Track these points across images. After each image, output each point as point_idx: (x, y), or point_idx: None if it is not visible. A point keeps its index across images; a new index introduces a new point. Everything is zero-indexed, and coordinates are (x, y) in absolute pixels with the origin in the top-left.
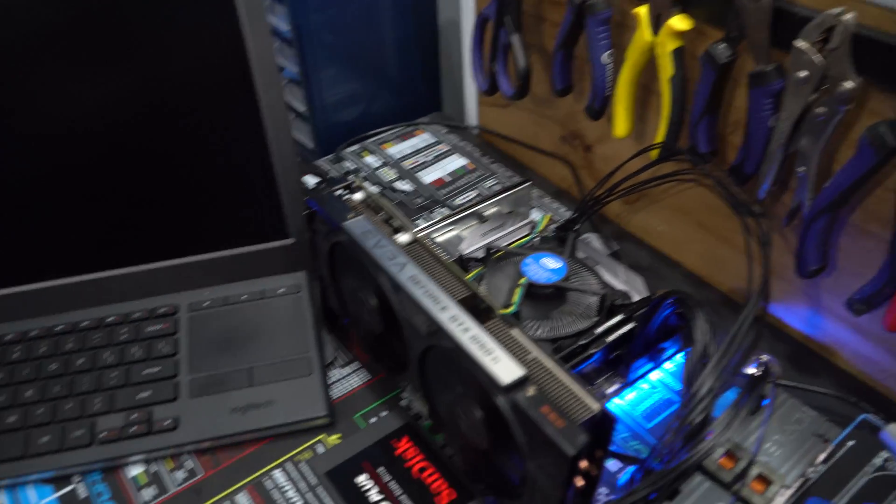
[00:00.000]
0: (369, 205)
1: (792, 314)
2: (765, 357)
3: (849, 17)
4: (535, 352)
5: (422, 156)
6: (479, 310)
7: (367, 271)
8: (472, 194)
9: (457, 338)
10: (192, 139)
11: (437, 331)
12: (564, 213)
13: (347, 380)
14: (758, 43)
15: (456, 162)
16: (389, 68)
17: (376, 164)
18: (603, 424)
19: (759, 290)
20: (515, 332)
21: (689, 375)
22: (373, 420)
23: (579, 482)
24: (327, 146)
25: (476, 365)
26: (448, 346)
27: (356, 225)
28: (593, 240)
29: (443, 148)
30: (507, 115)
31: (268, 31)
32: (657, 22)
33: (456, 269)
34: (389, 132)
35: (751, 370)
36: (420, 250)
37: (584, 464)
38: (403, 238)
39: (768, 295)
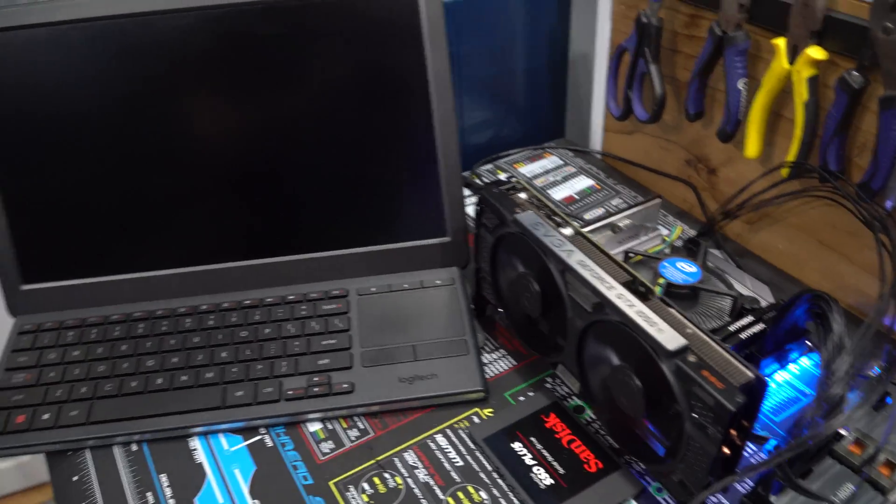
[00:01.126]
0: (532, 202)
1: None
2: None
3: None
4: (692, 328)
5: (551, 175)
6: (640, 291)
7: (534, 259)
8: (599, 211)
9: (625, 311)
10: (372, 148)
11: (604, 307)
12: (688, 231)
13: (495, 364)
14: (889, 70)
15: (583, 182)
16: (520, 96)
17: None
18: (757, 389)
19: (891, 287)
20: (673, 311)
21: (828, 359)
22: (521, 398)
23: (726, 450)
24: (463, 164)
25: (644, 334)
26: (615, 320)
27: (527, 217)
28: (716, 254)
29: (570, 169)
30: (631, 140)
31: (446, 56)
32: (794, 52)
33: (614, 258)
34: (519, 153)
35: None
36: (582, 241)
37: (733, 431)
38: (567, 231)
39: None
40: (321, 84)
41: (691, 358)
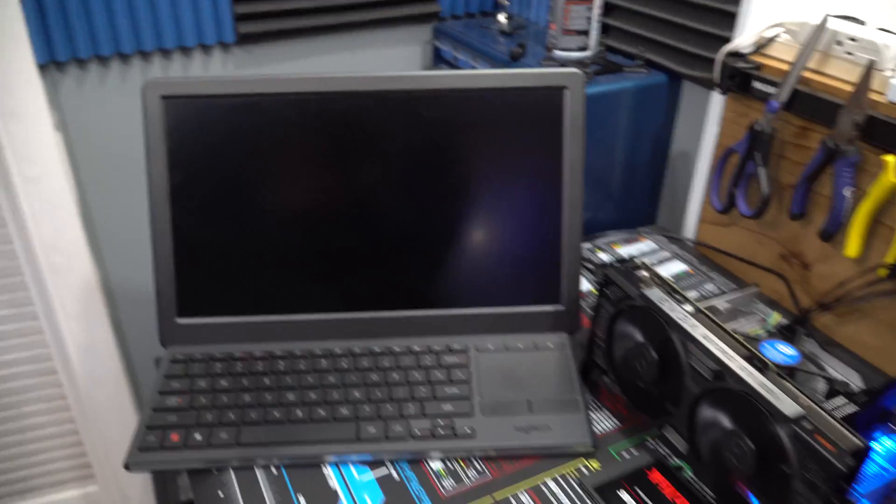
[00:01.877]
0: (654, 280)
1: None
2: None
3: None
4: (805, 399)
5: (647, 258)
6: (758, 365)
7: (655, 329)
8: (693, 293)
9: (746, 380)
10: (507, 222)
11: (724, 375)
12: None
13: (600, 423)
14: None
15: (678, 266)
16: (618, 184)
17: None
18: (863, 455)
19: None
20: (788, 384)
21: None
22: (625, 454)
23: None
24: None
25: (764, 401)
26: (735, 388)
27: (654, 293)
28: (808, 342)
29: (665, 254)
30: (727, 233)
31: (583, 145)
32: None
33: (733, 334)
34: (616, 235)
35: None
36: (703, 318)
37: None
38: (688, 307)
39: None
40: (473, 162)
41: (807, 425)
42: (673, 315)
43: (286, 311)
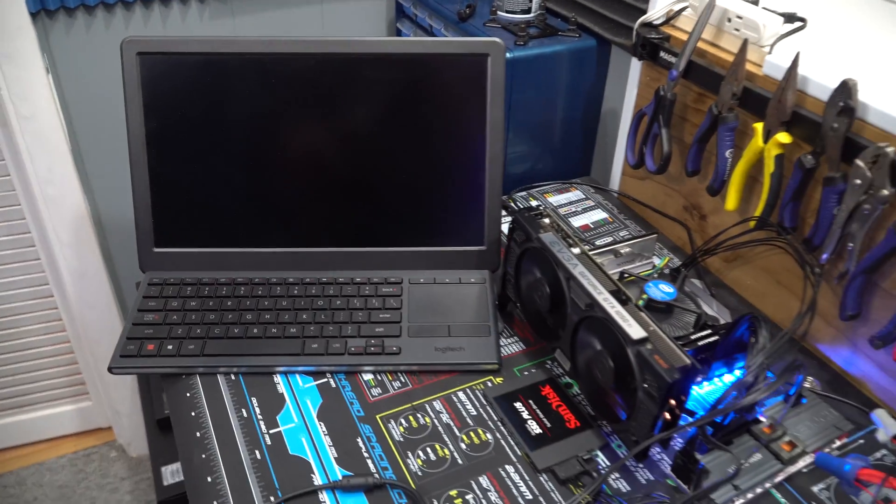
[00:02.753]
0: (553, 226)
1: (835, 353)
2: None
3: (891, 149)
4: (654, 327)
5: (573, 206)
6: (622, 298)
7: (548, 268)
8: (608, 239)
9: (607, 310)
10: (437, 172)
11: (594, 306)
12: (676, 262)
13: (509, 346)
14: (833, 157)
15: (599, 214)
16: (556, 139)
17: (545, 208)
18: (691, 371)
19: (806, 309)
20: (643, 315)
21: (749, 358)
22: (526, 373)
23: (667, 415)
24: (503, 189)
25: (618, 327)
26: (600, 316)
27: (547, 237)
28: (696, 283)
29: (590, 203)
30: (643, 185)
31: (503, 106)
32: (768, 135)
33: (608, 273)
34: (550, 185)
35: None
36: (585, 259)
37: (672, 401)
38: (576, 250)
39: (812, 317)
40: (405, 119)
41: (648, 346)
42: (560, 256)
43: (248, 245)
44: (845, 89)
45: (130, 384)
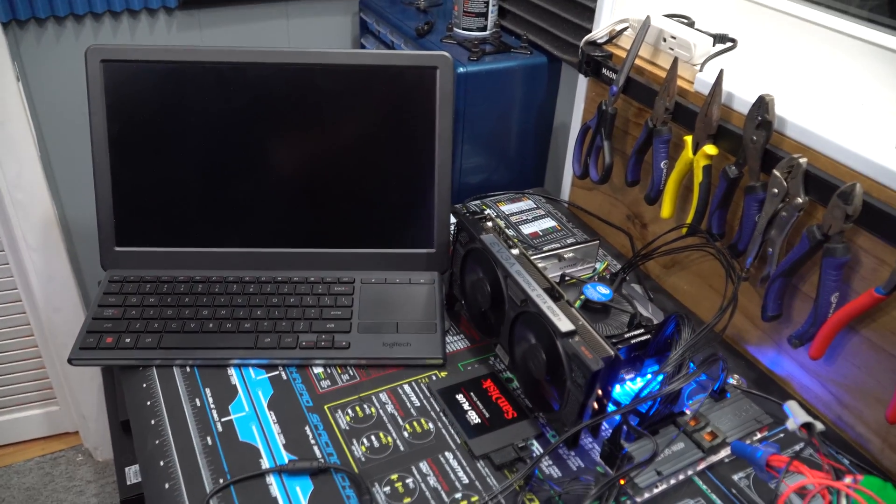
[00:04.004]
0: (495, 229)
1: (761, 353)
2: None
3: (804, 160)
4: (582, 320)
5: (524, 215)
6: (554, 295)
7: (489, 267)
8: (556, 245)
9: (540, 305)
10: (389, 178)
11: (528, 302)
12: (616, 268)
13: (455, 343)
14: (753, 168)
15: (548, 223)
16: (510, 151)
17: (494, 214)
18: (614, 361)
19: (726, 304)
20: (573, 310)
21: (673, 351)
22: (469, 368)
23: (595, 405)
24: (457, 198)
25: (549, 321)
26: (534, 311)
27: (488, 238)
28: (636, 287)
29: (540, 212)
30: (591, 196)
31: (451, 117)
32: (696, 146)
33: (543, 273)
34: (503, 195)
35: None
36: (523, 259)
37: (599, 391)
38: (515, 251)
39: (733, 312)
40: (358, 127)
41: (576, 338)
42: (499, 255)
43: (206, 245)
44: (762, 104)
45: (97, 389)
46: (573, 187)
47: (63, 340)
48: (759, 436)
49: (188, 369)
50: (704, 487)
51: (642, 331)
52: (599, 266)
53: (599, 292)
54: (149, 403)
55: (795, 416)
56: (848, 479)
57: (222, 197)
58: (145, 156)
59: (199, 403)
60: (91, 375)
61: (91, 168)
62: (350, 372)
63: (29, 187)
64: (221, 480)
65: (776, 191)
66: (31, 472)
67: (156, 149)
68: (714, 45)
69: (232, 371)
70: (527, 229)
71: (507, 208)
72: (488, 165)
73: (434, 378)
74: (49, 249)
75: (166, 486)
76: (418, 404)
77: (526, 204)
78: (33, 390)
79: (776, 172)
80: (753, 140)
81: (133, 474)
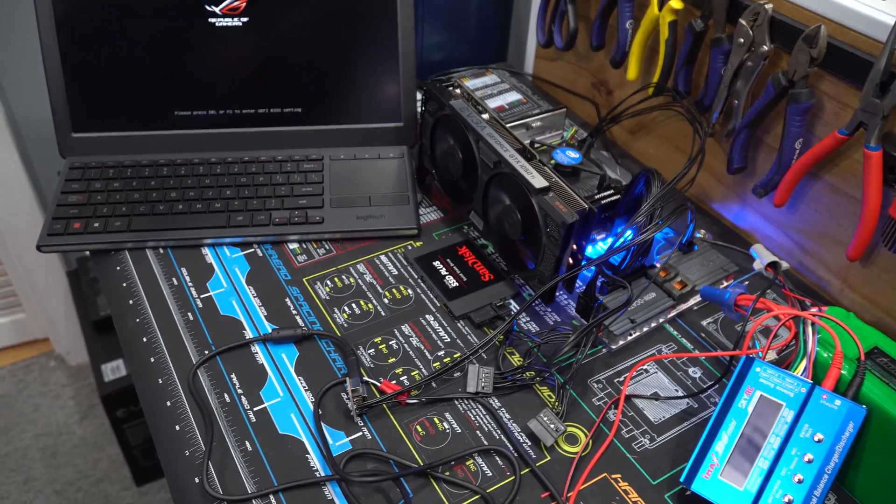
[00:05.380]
0: (464, 96)
1: (725, 209)
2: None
3: (769, 6)
4: (556, 178)
5: (489, 89)
6: (527, 155)
7: (459, 134)
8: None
9: (513, 165)
10: (352, 51)
11: (501, 163)
12: (583, 135)
13: (428, 215)
14: (719, 20)
15: (514, 96)
16: (471, 25)
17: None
18: (588, 215)
19: (694, 156)
20: (546, 169)
21: (644, 203)
22: (443, 237)
23: (570, 261)
24: (420, 76)
25: (523, 179)
26: (507, 172)
27: (458, 104)
28: (603, 153)
29: (505, 86)
30: (555, 66)
31: None
32: (662, 3)
33: (514, 135)
34: (467, 70)
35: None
36: (494, 123)
37: (573, 246)
38: (485, 115)
39: (700, 165)
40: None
41: (550, 194)
42: (469, 120)
43: (167, 128)
44: None
45: (63, 293)
46: (537, 59)
47: (24, 245)
48: (725, 284)
49: (161, 251)
50: (675, 333)
51: (612, 192)
52: (567, 133)
53: (569, 156)
54: (125, 285)
55: (761, 257)
56: (813, 310)
57: (181, 76)
58: (95, 33)
59: (175, 282)
60: (56, 279)
61: (36, 60)
62: (326, 246)
63: None
64: (206, 351)
65: (742, 40)
66: (3, 380)
67: (106, 25)
68: None
69: (206, 251)
70: (492, 103)
71: (471, 83)
72: (449, 42)
73: (410, 248)
74: (0, 152)
75: (151, 359)
76: (396, 273)
77: (490, 79)
78: None
79: (742, 21)
80: None
81: (110, 371)
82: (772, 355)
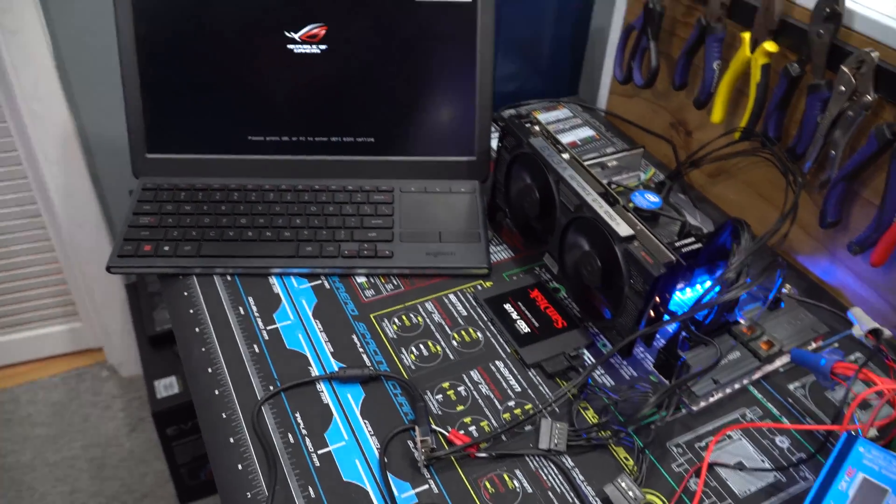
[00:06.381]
0: (543, 133)
1: (813, 263)
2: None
3: (875, 54)
4: (641, 226)
5: (561, 124)
6: (610, 200)
7: (538, 172)
8: (595, 154)
9: (596, 210)
10: (428, 82)
11: (583, 207)
12: (661, 177)
13: (498, 254)
14: (818, 65)
15: (586, 132)
16: (544, 57)
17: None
18: (676, 267)
19: (787, 211)
20: (630, 215)
21: (732, 257)
22: (514, 278)
23: (651, 313)
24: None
25: (606, 226)
26: (589, 216)
27: (538, 142)
28: (681, 196)
29: (577, 121)
30: (630, 103)
31: (493, 19)
32: (755, 44)
33: (596, 177)
34: (538, 104)
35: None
36: (575, 164)
37: (657, 298)
38: (565, 155)
39: (794, 219)
40: (397, 29)
41: (635, 243)
42: (550, 160)
43: (240, 152)
44: None
45: (120, 304)
46: (611, 95)
47: (86, 256)
48: (813, 345)
49: (229, 278)
50: (760, 396)
51: (693, 239)
52: (645, 175)
53: (648, 200)
54: (191, 311)
55: (861, 322)
56: None
57: (256, 100)
58: (175, 57)
59: (242, 312)
60: (115, 291)
61: (110, 79)
62: (394, 281)
63: (46, 98)
64: (272, 387)
65: (843, 88)
66: (56, 387)
67: (186, 49)
68: None
69: (273, 280)
70: (564, 139)
71: (542, 117)
72: (521, 73)
73: (480, 288)
74: (68, 163)
75: (216, 392)
76: (465, 314)
77: (562, 112)
78: (56, 306)
79: (844, 68)
80: (820, 34)
81: (163, 388)
82: (872, 432)
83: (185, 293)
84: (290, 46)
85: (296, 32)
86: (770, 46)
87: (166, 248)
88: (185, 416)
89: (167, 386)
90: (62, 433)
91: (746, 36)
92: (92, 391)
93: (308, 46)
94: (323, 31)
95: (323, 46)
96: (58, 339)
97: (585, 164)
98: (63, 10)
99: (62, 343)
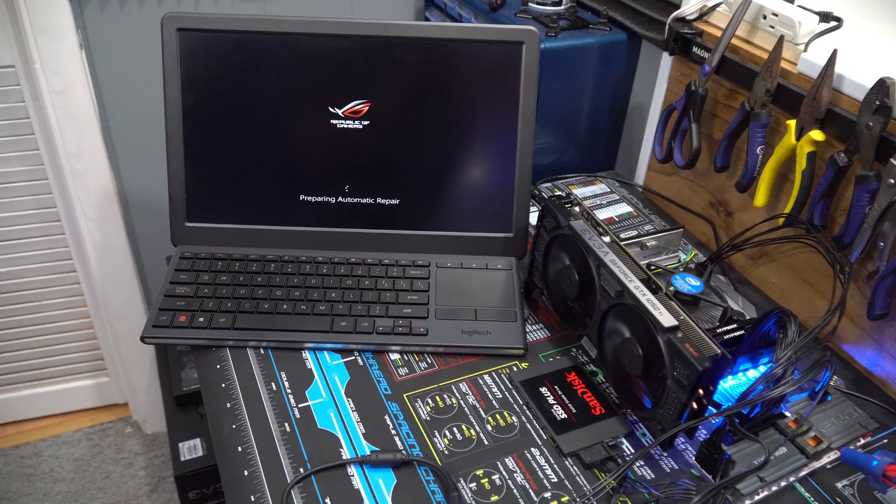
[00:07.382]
0: (583, 214)
1: (859, 353)
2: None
3: None
4: (684, 316)
5: (598, 199)
6: (652, 287)
7: (578, 255)
8: (633, 233)
9: (639, 298)
10: (468, 158)
11: (624, 293)
12: (703, 258)
13: (534, 333)
14: (866, 156)
15: (624, 208)
16: (582, 131)
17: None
18: (721, 361)
19: (836, 306)
20: (673, 304)
21: (779, 351)
22: (551, 359)
23: (693, 405)
24: None
25: (649, 315)
26: (631, 304)
27: (578, 224)
28: (721, 279)
29: (614, 196)
30: (669, 181)
31: (535, 94)
32: (800, 132)
33: (638, 262)
34: (575, 178)
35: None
36: (616, 248)
37: (700, 391)
38: (606, 238)
39: (842, 314)
40: (438, 103)
41: (679, 334)
42: (591, 243)
43: (278, 223)
44: (882, 88)
45: (148, 361)
46: (649, 171)
47: (117, 312)
48: (862, 441)
49: (262, 351)
50: (807, 495)
51: (735, 326)
52: (686, 256)
53: (690, 283)
54: (223, 385)
55: None
56: None
57: (296, 173)
58: (219, 128)
59: (274, 387)
60: (143, 348)
61: (152, 140)
62: (428, 360)
63: (88, 157)
64: (302, 469)
65: (892, 181)
66: (79, 442)
67: (230, 121)
68: (819, 24)
69: (307, 355)
70: (601, 215)
71: (579, 192)
72: (558, 146)
73: (515, 369)
74: (106, 221)
75: (245, 472)
76: (500, 396)
77: (599, 188)
78: (84, 361)
79: (893, 161)
80: (869, 126)
81: (187, 450)
82: None
83: (218, 366)
84: (334, 122)
85: (340, 108)
86: (817, 135)
87: (201, 319)
88: (208, 481)
89: (191, 448)
90: (83, 490)
91: (792, 123)
92: (115, 447)
93: (351, 122)
94: (366, 108)
95: (366, 122)
96: (84, 394)
97: (624, 242)
98: (110, 73)
99: (88, 398)
